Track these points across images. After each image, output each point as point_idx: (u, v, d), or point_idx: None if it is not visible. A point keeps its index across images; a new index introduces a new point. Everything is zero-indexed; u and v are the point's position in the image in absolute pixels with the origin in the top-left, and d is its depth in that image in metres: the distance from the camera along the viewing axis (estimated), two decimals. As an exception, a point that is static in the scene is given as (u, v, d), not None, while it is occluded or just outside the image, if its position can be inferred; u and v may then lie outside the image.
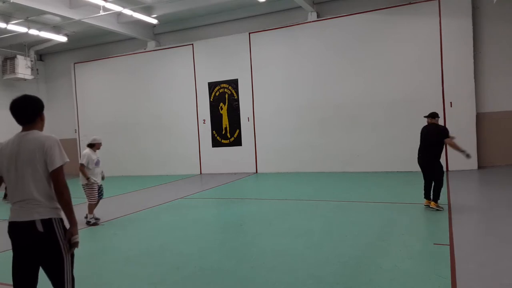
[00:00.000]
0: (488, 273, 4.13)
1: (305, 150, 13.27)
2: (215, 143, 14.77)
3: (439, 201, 6.95)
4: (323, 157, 13.05)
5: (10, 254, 2.93)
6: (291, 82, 13.43)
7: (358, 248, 5.21)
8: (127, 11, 12.16)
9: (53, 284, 2.89)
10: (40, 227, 2.77)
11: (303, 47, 13.22)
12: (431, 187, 7.08)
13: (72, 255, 2.94)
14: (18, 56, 15.54)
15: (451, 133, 7.01)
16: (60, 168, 2.85)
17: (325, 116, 12.99)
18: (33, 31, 13.25)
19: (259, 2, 12.65)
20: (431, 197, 7.00)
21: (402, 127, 11.76)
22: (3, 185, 3.08)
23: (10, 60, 15.63)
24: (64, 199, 2.85)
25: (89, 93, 17.12)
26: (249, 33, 13.98)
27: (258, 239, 6.06)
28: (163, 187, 12.39)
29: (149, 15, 13.37)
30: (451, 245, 5.02)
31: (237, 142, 14.41)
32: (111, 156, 14.85)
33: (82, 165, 7.32)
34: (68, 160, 2.91)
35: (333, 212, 7.45)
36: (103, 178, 7.77)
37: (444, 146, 7.12)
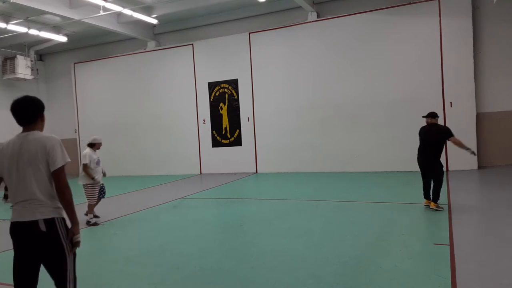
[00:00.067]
0: (488, 273, 4.13)
1: (305, 150, 13.27)
2: (215, 143, 14.77)
3: (439, 201, 6.94)
4: (323, 157, 13.05)
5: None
6: (291, 82, 13.43)
7: (358, 248, 5.21)
8: (127, 11, 12.16)
9: (55, 283, 2.90)
10: (43, 227, 2.79)
11: (303, 47, 13.23)
12: (430, 186, 7.09)
13: (74, 254, 2.96)
14: (18, 56, 15.54)
15: None
16: (62, 168, 2.86)
17: (325, 116, 12.99)
18: (33, 31, 13.25)
19: (259, 2, 12.65)
20: (431, 197, 6.99)
21: (402, 127, 11.76)
22: (2, 185, 3.08)
23: (10, 60, 15.63)
24: (65, 199, 2.87)
25: (89, 93, 17.12)
26: (249, 33, 13.98)
27: (258, 239, 6.06)
28: (163, 187, 12.39)
29: (149, 15, 13.38)
30: (451, 245, 5.02)
31: (237, 142, 14.41)
32: (111, 156, 14.85)
33: (85, 165, 7.32)
34: (69, 160, 2.93)
35: (333, 212, 7.45)
36: (104, 175, 7.79)
37: (444, 146, 7.12)
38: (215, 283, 4.34)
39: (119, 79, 16.43)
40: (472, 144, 11.14)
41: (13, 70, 15.53)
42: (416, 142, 7.36)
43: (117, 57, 16.38)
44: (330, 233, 6.02)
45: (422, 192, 7.20)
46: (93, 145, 7.59)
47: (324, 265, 4.64)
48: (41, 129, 2.98)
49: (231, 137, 14.53)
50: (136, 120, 16.09)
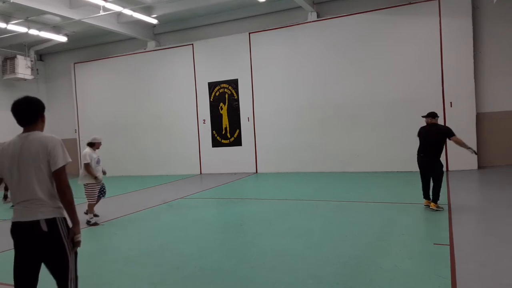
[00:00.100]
0: (488, 273, 4.13)
1: (305, 150, 13.27)
2: (215, 143, 14.77)
3: (438, 202, 6.94)
4: (323, 157, 13.05)
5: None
6: (291, 82, 13.43)
7: (358, 248, 5.21)
8: (127, 11, 12.16)
9: (57, 282, 2.91)
10: (44, 227, 2.80)
11: (303, 47, 13.23)
12: (429, 187, 7.09)
13: (76, 254, 2.98)
14: (18, 56, 15.54)
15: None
16: (63, 168, 2.88)
17: (325, 116, 12.99)
18: (33, 31, 13.25)
19: (259, 2, 12.65)
20: (431, 198, 6.99)
21: (402, 127, 11.76)
22: (2, 185, 3.08)
23: (10, 60, 15.63)
24: (66, 199, 2.88)
25: (89, 93, 17.12)
26: (249, 33, 13.98)
27: (258, 239, 6.06)
28: (163, 187, 12.39)
29: (149, 15, 13.38)
30: (451, 245, 5.02)
31: (237, 142, 14.41)
32: (111, 156, 14.84)
33: (87, 164, 7.33)
34: (70, 160, 2.95)
35: (333, 212, 7.45)
36: (104, 173, 7.80)
37: (444, 146, 7.12)
38: (215, 283, 4.34)
39: (119, 79, 16.43)
40: (472, 144, 11.11)
41: (13, 70, 15.53)
42: (416, 142, 7.35)
43: (117, 57, 16.38)
44: (330, 233, 6.02)
45: (422, 192, 7.20)
46: (93, 145, 7.60)
47: (324, 265, 4.64)
48: (41, 130, 2.99)
49: (231, 137, 14.53)
50: (136, 120, 16.09)
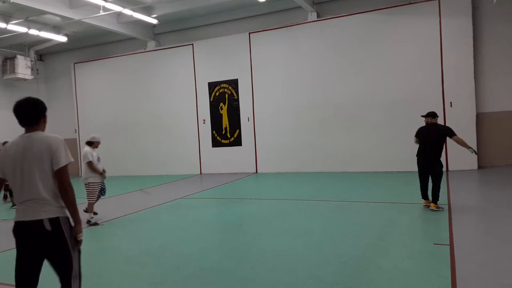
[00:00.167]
0: (488, 273, 4.13)
1: (305, 150, 13.27)
2: (215, 143, 14.77)
3: (438, 202, 6.94)
4: (323, 157, 13.05)
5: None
6: (291, 82, 13.43)
7: (358, 248, 5.21)
8: (127, 11, 12.16)
9: (60, 279, 2.94)
10: (48, 226, 2.82)
11: (303, 47, 13.23)
12: (427, 187, 7.09)
13: (79, 251, 3.02)
14: (18, 56, 15.54)
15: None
16: (65, 167, 2.90)
17: (325, 116, 12.99)
18: (33, 31, 13.26)
19: (259, 2, 12.65)
20: (431, 198, 6.97)
21: (402, 127, 11.76)
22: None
23: (10, 60, 15.64)
24: (68, 198, 2.91)
25: (89, 93, 17.12)
26: (249, 33, 13.98)
27: (258, 239, 6.06)
28: (163, 187, 12.39)
29: (149, 15, 13.38)
30: (451, 245, 5.02)
31: (237, 142, 14.41)
32: (111, 156, 14.84)
33: (90, 162, 7.38)
34: (72, 160, 2.98)
35: (333, 212, 7.45)
36: (104, 171, 7.81)
37: (444, 146, 7.11)
38: (215, 283, 4.34)
39: (119, 79, 16.43)
40: (472, 144, 11.10)
41: (13, 70, 15.54)
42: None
43: (117, 57, 16.38)
44: (330, 233, 6.02)
45: (420, 192, 7.19)
46: (92, 144, 7.63)
47: (324, 265, 4.64)
48: (43, 130, 3.02)
49: (231, 137, 14.53)
50: (136, 120, 16.09)
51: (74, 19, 12.42)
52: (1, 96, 15.80)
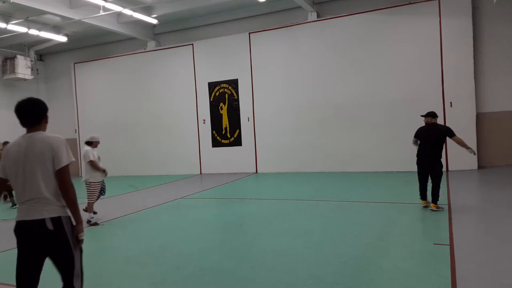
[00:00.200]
0: (488, 273, 4.13)
1: (305, 150, 13.27)
2: (215, 143, 14.77)
3: (438, 202, 6.93)
4: (323, 157, 13.05)
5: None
6: (291, 82, 13.43)
7: (358, 248, 5.21)
8: (127, 11, 12.16)
9: (62, 278, 2.96)
10: (50, 225, 2.84)
11: (303, 47, 13.23)
12: (426, 187, 7.08)
13: (81, 250, 3.05)
14: (18, 56, 15.54)
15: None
16: (66, 167, 2.92)
17: (325, 116, 12.99)
18: (33, 31, 13.26)
19: (259, 2, 12.65)
20: (431, 198, 6.96)
21: (402, 127, 11.75)
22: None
23: (10, 60, 15.63)
24: (69, 197, 2.93)
25: (89, 93, 17.12)
26: (249, 33, 13.98)
27: (258, 239, 6.06)
28: (163, 187, 12.39)
29: (149, 15, 13.38)
30: (451, 245, 5.02)
31: (237, 142, 14.41)
32: (111, 156, 14.84)
33: (92, 161, 7.43)
34: (74, 159, 3.00)
35: (333, 212, 7.45)
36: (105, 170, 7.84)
37: (444, 146, 7.10)
38: (215, 283, 4.34)
39: (119, 79, 16.43)
40: (472, 144, 11.12)
41: (13, 70, 15.53)
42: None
43: (117, 57, 16.38)
44: (330, 233, 6.02)
45: (419, 193, 7.18)
46: (91, 143, 7.66)
47: (324, 265, 4.64)
48: (44, 130, 3.04)
49: (231, 137, 14.53)
50: (136, 120, 16.09)
51: (74, 19, 12.42)
52: (1, 96, 15.80)
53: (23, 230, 2.87)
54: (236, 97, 14.35)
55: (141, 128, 16.01)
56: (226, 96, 14.51)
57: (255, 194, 10.64)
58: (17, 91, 16.48)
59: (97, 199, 7.80)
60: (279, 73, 13.59)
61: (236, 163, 14.33)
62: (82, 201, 7.66)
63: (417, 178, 7.19)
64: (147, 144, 15.91)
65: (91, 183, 7.52)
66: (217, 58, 14.58)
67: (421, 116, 7.33)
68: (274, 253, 5.20)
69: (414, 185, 7.36)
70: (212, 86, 14.73)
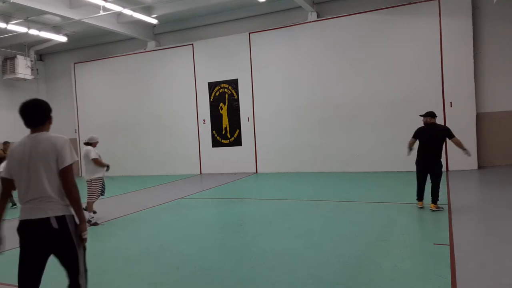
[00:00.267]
0: (488, 273, 4.13)
1: (305, 150, 13.27)
2: (215, 143, 14.77)
3: (438, 202, 6.92)
4: (323, 157, 13.05)
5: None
6: (291, 82, 13.43)
7: (358, 248, 5.21)
8: (127, 11, 12.16)
9: (68, 275, 3.00)
10: (55, 224, 2.86)
11: (303, 47, 13.23)
12: (424, 188, 7.06)
13: (84, 248, 3.09)
14: (18, 56, 15.54)
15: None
16: (70, 166, 2.95)
17: (325, 116, 12.99)
18: (33, 31, 13.25)
19: (259, 2, 12.65)
20: (431, 199, 6.95)
21: (402, 127, 11.74)
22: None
23: (10, 60, 15.63)
24: (73, 197, 2.96)
25: (89, 93, 17.12)
26: (249, 33, 13.98)
27: (258, 239, 6.06)
28: (163, 187, 12.39)
29: (149, 15, 13.38)
30: (451, 245, 5.02)
31: (237, 142, 14.41)
32: (111, 156, 14.77)
33: (96, 159, 7.49)
34: (77, 159, 3.01)
35: (333, 212, 7.45)
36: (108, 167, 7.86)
37: (444, 146, 7.10)
38: (215, 283, 4.34)
39: (119, 79, 16.43)
40: (472, 144, 11.19)
41: (13, 70, 15.53)
42: (415, 142, 7.33)
43: (117, 57, 16.38)
44: (330, 233, 6.02)
45: (416, 194, 7.16)
46: (90, 144, 7.68)
47: (324, 265, 4.64)
48: (48, 130, 3.08)
49: (231, 137, 14.53)
50: (136, 120, 16.09)
51: (74, 19, 12.42)
52: (1, 96, 15.80)
53: (27, 229, 2.89)
54: (236, 97, 14.35)
55: (141, 128, 16.01)
56: (226, 96, 14.51)
57: (255, 194, 10.64)
58: (17, 91, 16.48)
59: (96, 199, 7.82)
60: (279, 73, 13.59)
61: (236, 163, 14.33)
62: (83, 201, 7.68)
63: (416, 178, 7.17)
64: (147, 144, 15.91)
65: (93, 181, 7.56)
66: (217, 58, 14.58)
67: (420, 116, 7.31)
68: (274, 253, 5.20)
69: (414, 185, 7.35)
70: (212, 86, 14.73)
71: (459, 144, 6.85)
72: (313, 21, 13.08)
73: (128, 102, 16.24)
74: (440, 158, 6.98)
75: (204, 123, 14.92)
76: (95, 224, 7.48)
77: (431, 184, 6.94)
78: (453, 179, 10.01)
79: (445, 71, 11.55)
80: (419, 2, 11.77)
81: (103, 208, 8.64)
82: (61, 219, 2.89)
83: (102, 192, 8.00)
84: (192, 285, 4.33)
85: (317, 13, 13.08)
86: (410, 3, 11.89)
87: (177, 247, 5.82)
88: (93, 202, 7.66)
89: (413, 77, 11.86)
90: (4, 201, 3.02)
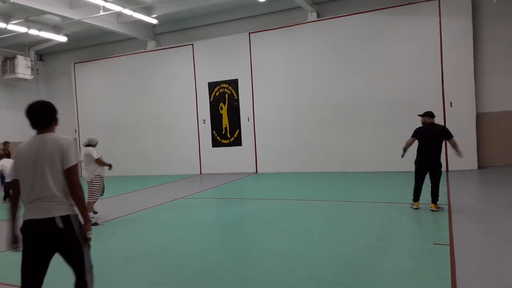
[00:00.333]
0: (488, 273, 4.13)
1: (305, 150, 13.27)
2: (215, 143, 14.77)
3: (438, 202, 6.92)
4: (323, 157, 13.05)
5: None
6: (291, 82, 13.43)
7: (358, 248, 5.21)
8: (127, 11, 12.16)
9: (74, 273, 3.03)
10: (60, 224, 2.88)
11: (303, 47, 13.23)
12: (421, 188, 7.04)
13: (89, 246, 3.11)
14: (18, 56, 15.54)
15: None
16: (74, 166, 2.98)
17: (325, 116, 12.99)
18: (33, 31, 13.25)
19: (259, 2, 12.65)
20: (431, 199, 6.94)
21: (402, 127, 11.71)
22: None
23: (10, 60, 15.63)
24: (77, 197, 2.98)
25: (89, 93, 17.12)
26: (249, 33, 13.98)
27: (258, 239, 6.06)
28: (163, 187, 12.39)
29: (149, 15, 13.38)
30: (451, 245, 5.02)
31: (237, 142, 14.41)
32: (111, 156, 14.70)
33: (98, 158, 7.51)
34: (82, 159, 3.01)
35: (333, 212, 7.45)
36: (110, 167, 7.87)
37: (444, 146, 7.10)
38: (215, 283, 4.34)
39: (119, 79, 16.43)
40: (472, 144, 11.22)
41: (13, 70, 15.53)
42: (415, 142, 7.32)
43: (117, 57, 16.38)
44: (330, 233, 6.02)
45: (413, 194, 7.12)
46: (90, 145, 7.70)
47: (324, 265, 4.64)
48: (54, 131, 3.13)
49: (231, 137, 14.53)
50: (136, 120, 16.08)
51: (74, 19, 12.42)
52: (1, 96, 15.79)
53: (31, 228, 2.89)
54: (236, 97, 14.35)
55: (141, 128, 16.01)
56: (226, 96, 14.51)
57: (255, 194, 10.64)
58: (17, 91, 16.47)
59: (97, 199, 7.83)
60: (279, 73, 13.59)
61: (236, 163, 14.33)
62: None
63: (414, 178, 7.14)
64: (147, 144, 15.91)
65: (94, 181, 7.58)
66: (217, 58, 14.58)
67: (419, 115, 7.30)
68: (274, 253, 5.19)
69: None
70: (212, 86, 14.73)
71: (455, 146, 6.87)
72: (313, 21, 13.08)
73: (128, 102, 16.24)
74: (440, 157, 6.98)
75: (204, 123, 14.92)
76: (95, 224, 7.48)
77: (431, 184, 6.92)
78: (453, 179, 10.01)
79: (445, 71, 11.55)
80: (419, 2, 11.77)
81: (103, 208, 8.64)
82: (66, 219, 2.91)
83: (102, 193, 8.03)
84: (192, 285, 4.33)
85: (317, 13, 13.08)
86: (410, 3, 11.89)
87: (177, 247, 5.82)
88: (94, 202, 7.68)
89: (413, 77, 11.86)
90: (17, 201, 3.04)
